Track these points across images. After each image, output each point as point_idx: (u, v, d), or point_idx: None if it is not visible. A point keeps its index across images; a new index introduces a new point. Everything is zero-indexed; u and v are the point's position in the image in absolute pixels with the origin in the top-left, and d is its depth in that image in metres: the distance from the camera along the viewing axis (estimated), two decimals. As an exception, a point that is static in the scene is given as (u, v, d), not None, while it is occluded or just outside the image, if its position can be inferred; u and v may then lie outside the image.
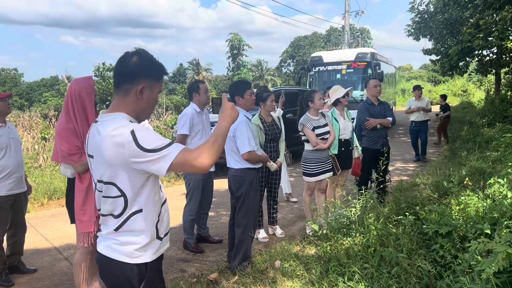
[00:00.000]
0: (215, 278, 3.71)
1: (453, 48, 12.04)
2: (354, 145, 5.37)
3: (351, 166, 5.34)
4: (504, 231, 3.27)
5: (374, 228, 3.87)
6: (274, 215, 5.13)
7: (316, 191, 5.05)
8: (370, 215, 4.14)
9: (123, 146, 1.66)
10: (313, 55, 15.41)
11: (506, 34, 10.47)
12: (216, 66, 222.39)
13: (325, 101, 5.40)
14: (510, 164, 5.56)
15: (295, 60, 44.16)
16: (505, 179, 4.50)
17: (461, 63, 14.74)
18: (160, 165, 1.66)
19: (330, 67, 14.06)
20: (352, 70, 13.54)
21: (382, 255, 3.61)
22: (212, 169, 4.72)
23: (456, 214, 4.01)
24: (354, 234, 3.92)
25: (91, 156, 1.84)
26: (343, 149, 5.13)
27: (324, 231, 4.15)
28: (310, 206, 4.82)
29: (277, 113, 5.90)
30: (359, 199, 4.21)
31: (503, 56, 14.82)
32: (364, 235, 3.89)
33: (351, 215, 4.10)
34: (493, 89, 19.55)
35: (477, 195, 4.35)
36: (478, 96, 26.90)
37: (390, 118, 5.50)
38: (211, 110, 5.59)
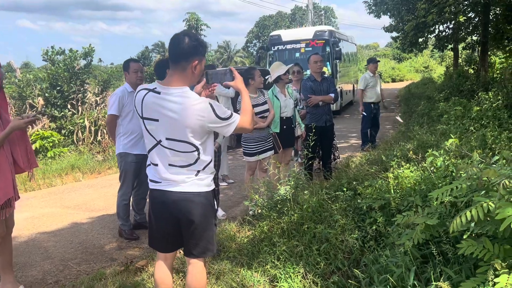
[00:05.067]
0: (144, 265, 3.55)
1: (409, 24, 12.05)
2: (296, 123, 5.25)
3: (294, 144, 5.25)
4: (435, 203, 3.24)
5: (307, 205, 3.78)
6: (216, 197, 4.98)
7: (258, 170, 4.94)
8: (305, 192, 4.05)
9: (204, 114, 2.19)
10: (272, 34, 15.11)
11: (459, 9, 10.54)
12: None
13: (266, 77, 5.25)
14: (452, 136, 5.60)
15: (261, 41, 43.73)
16: (442, 151, 4.50)
17: (420, 39, 14.84)
18: (229, 128, 2.29)
19: (289, 46, 13.83)
20: (310, 49, 13.35)
21: (314, 232, 3.54)
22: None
23: (393, 188, 3.98)
24: (288, 213, 3.83)
25: (155, 120, 2.25)
26: (284, 127, 5.00)
27: (259, 211, 4.05)
28: (251, 186, 4.70)
29: (230, 93, 5.69)
30: (293, 177, 4.11)
31: (460, 32, 15.01)
32: (299, 213, 3.81)
33: (285, 193, 4.01)
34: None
35: (415, 168, 4.34)
36: (439, 72, 27.41)
37: (333, 95, 5.41)
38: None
